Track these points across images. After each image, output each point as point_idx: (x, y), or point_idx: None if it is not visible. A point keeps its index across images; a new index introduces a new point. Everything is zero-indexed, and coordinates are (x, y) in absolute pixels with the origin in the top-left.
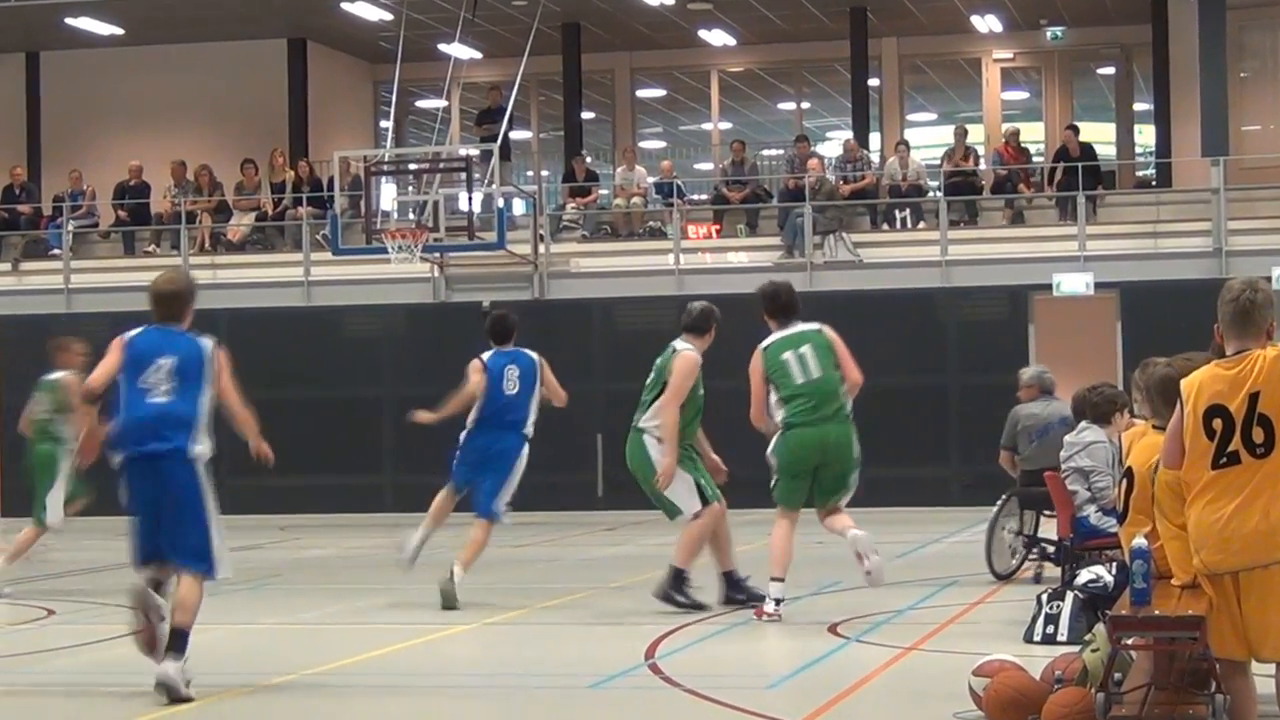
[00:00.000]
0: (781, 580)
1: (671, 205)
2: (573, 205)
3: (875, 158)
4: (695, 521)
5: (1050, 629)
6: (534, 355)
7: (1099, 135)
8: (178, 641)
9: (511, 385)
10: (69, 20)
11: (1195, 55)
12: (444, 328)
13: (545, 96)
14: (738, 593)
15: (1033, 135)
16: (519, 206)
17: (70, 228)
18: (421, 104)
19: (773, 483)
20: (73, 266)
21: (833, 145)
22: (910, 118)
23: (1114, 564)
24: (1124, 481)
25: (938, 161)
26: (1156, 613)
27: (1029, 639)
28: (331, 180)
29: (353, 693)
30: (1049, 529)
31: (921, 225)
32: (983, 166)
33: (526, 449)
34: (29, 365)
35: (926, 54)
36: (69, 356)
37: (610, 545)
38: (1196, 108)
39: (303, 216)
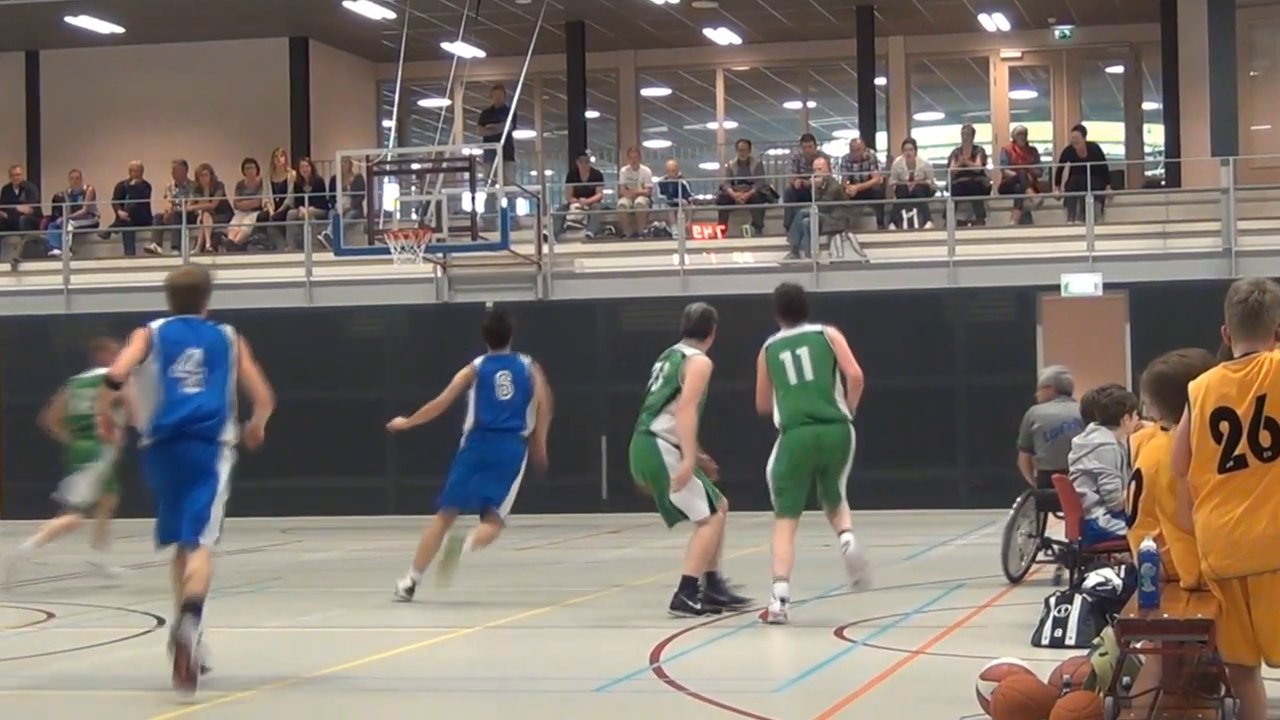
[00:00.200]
0: (785, 580)
1: (676, 205)
2: (577, 205)
3: (882, 157)
4: (705, 529)
5: (1058, 632)
6: (527, 361)
7: (1108, 135)
8: (193, 608)
9: (505, 391)
10: (69, 19)
11: (1205, 54)
12: (447, 329)
13: (549, 95)
14: (719, 594)
15: (1041, 135)
16: (522, 206)
17: (70, 228)
18: (424, 103)
19: (773, 498)
20: (72, 267)
21: (839, 145)
22: (917, 117)
23: (1123, 567)
24: (1132, 484)
25: (945, 161)
26: (1165, 616)
27: (1037, 642)
28: (334, 180)
29: (355, 696)
30: (1057, 529)
31: (928, 225)
32: (990, 166)
33: (525, 453)
34: (29, 366)
35: (934, 53)
36: (108, 355)
37: (614, 548)
38: (1206, 107)
39: (305, 217)
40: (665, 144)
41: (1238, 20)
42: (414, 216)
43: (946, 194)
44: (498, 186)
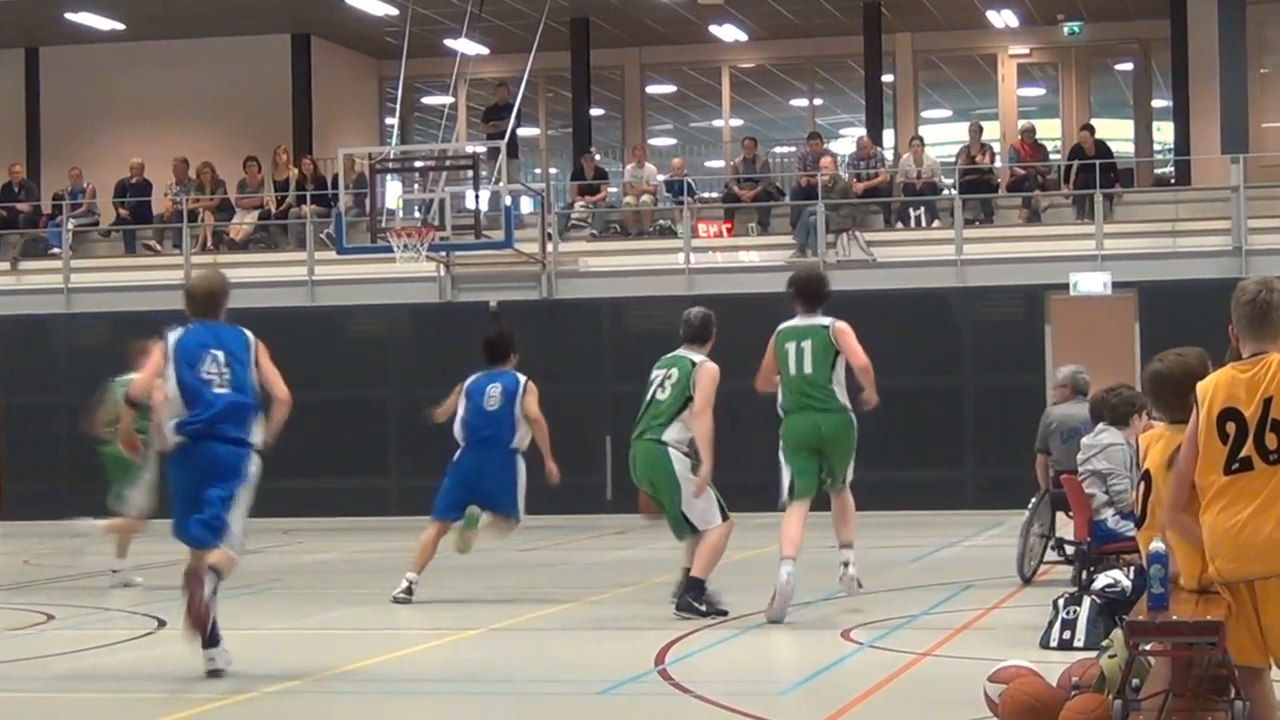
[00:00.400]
0: (793, 558)
1: (682, 203)
2: (581, 203)
3: (889, 155)
4: (714, 532)
5: (1067, 634)
6: (521, 378)
7: (1117, 132)
8: (213, 570)
9: (492, 402)
10: (69, 15)
11: (1215, 51)
12: (450, 328)
13: (553, 93)
14: (691, 610)
15: (1049, 132)
16: (526, 205)
17: (70, 226)
18: (427, 100)
19: (786, 483)
20: (72, 266)
21: (846, 142)
22: (925, 114)
23: (1132, 568)
24: (1141, 484)
25: (953, 159)
26: (1174, 618)
27: (1045, 644)
28: (336, 178)
29: (357, 698)
30: (1067, 530)
31: (936, 224)
32: (998, 164)
33: (520, 460)
34: (28, 366)
35: (941, 49)
36: (147, 360)
37: (619, 549)
38: (1216, 104)
39: (306, 215)
40: (670, 142)
41: (1248, 17)
42: (417, 215)
43: (954, 192)
44: (501, 184)
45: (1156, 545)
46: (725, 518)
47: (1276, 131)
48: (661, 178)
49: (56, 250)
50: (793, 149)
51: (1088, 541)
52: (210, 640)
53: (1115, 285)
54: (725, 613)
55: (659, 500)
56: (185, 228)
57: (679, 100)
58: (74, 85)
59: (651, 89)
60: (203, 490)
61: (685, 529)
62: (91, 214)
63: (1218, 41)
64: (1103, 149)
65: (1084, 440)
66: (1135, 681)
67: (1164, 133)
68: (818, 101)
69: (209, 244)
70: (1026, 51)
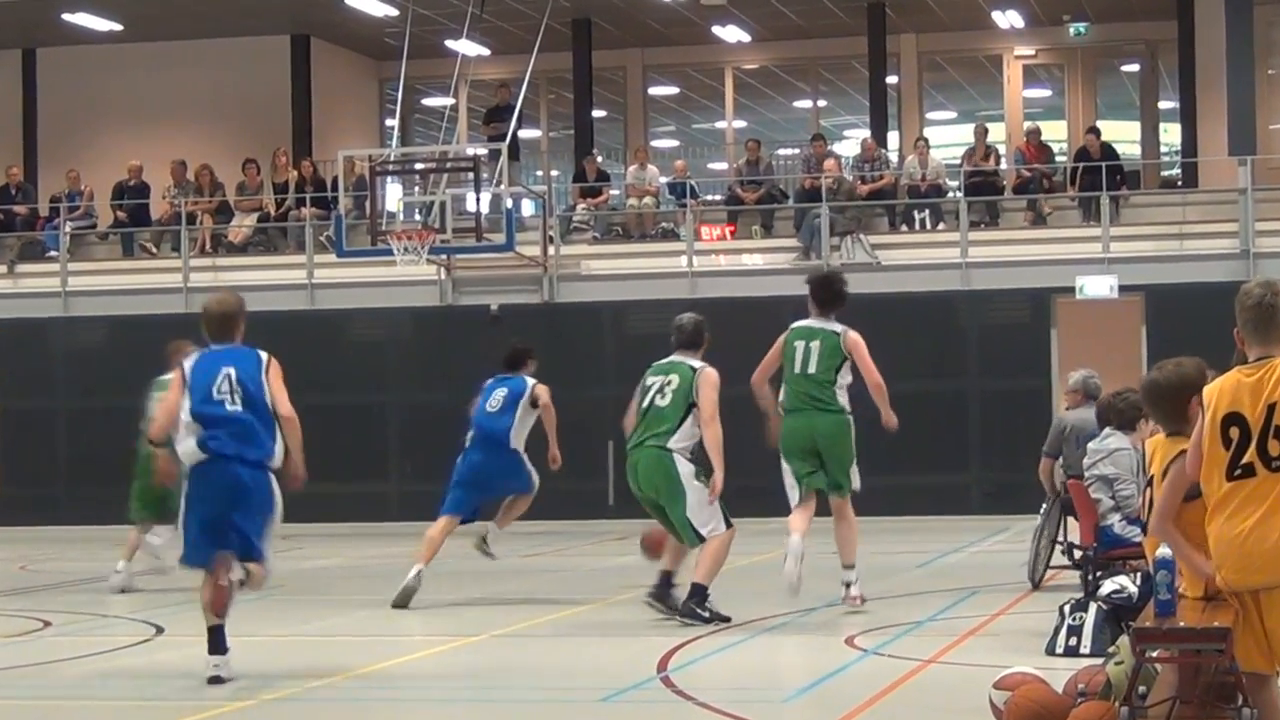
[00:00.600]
0: (801, 532)
1: (685, 206)
2: (583, 206)
3: (894, 157)
4: (718, 538)
5: (1073, 641)
6: (530, 380)
7: (1123, 134)
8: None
9: (495, 404)
10: (66, 16)
11: (1222, 52)
12: (451, 331)
13: (555, 94)
14: (665, 595)
15: (1055, 134)
16: (528, 207)
17: (67, 229)
18: (428, 102)
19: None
20: (70, 269)
21: (850, 144)
22: (930, 116)
23: (1138, 574)
24: (1148, 490)
25: (958, 161)
26: (1182, 625)
27: (1051, 651)
28: (336, 180)
29: (357, 705)
30: (1075, 534)
31: (941, 226)
32: (1004, 166)
33: (523, 454)
34: (25, 370)
35: (946, 51)
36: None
37: (621, 555)
38: (1223, 106)
39: (306, 217)
40: (673, 143)
41: (1256, 18)
42: (417, 217)
43: (959, 194)
44: (503, 187)
45: (1163, 551)
46: (729, 525)
47: None
48: (664, 180)
49: (54, 253)
50: (796, 151)
51: (1094, 547)
52: (218, 647)
53: (1122, 288)
54: (728, 619)
55: (660, 507)
56: (184, 230)
57: (681, 102)
58: (71, 87)
59: (654, 90)
60: (228, 518)
61: (693, 536)
62: (89, 217)
63: (1225, 42)
64: (1109, 152)
65: (1090, 445)
66: (1142, 688)
67: (1171, 134)
68: (821, 103)
69: (207, 247)
70: (1032, 53)
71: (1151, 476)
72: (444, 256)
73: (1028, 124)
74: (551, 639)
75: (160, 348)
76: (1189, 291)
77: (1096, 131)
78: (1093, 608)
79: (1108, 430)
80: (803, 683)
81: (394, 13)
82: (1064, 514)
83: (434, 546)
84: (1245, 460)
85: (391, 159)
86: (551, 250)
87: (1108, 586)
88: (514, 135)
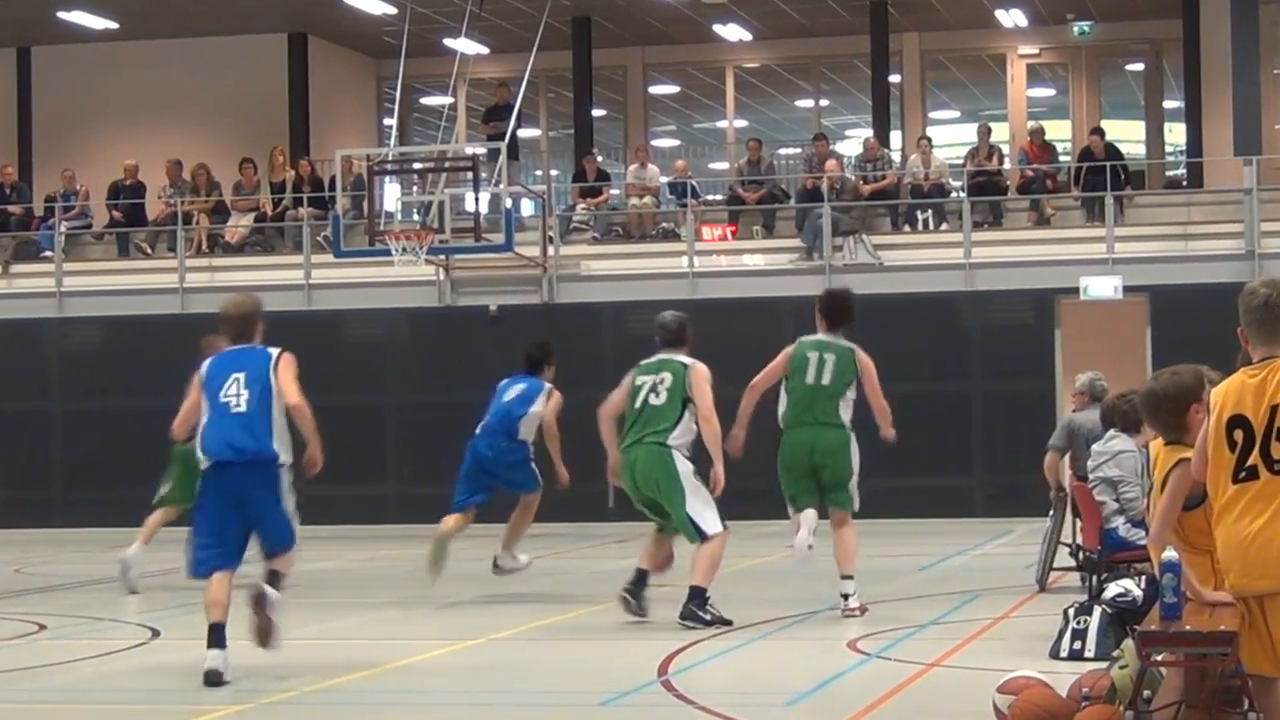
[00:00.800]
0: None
1: (685, 206)
2: (583, 206)
3: (896, 157)
4: (713, 541)
5: (1077, 644)
6: (547, 385)
7: (1128, 133)
8: (274, 579)
9: (512, 395)
10: (61, 14)
11: (1227, 51)
12: (449, 332)
13: (554, 93)
14: (638, 594)
15: (1059, 133)
16: (527, 207)
17: (62, 229)
18: (426, 101)
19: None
20: (65, 269)
21: (852, 144)
22: (932, 115)
23: (1143, 577)
24: (1153, 493)
25: (961, 161)
26: (1187, 628)
27: (1055, 654)
28: (333, 180)
29: (355, 710)
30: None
31: (944, 227)
32: (1007, 166)
33: (529, 447)
34: (19, 372)
35: (949, 49)
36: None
37: (621, 558)
38: (1229, 105)
39: (303, 217)
40: (674, 143)
41: (1261, 17)
42: (416, 217)
43: (962, 194)
44: (502, 186)
45: (1169, 554)
46: (723, 525)
47: None
48: (664, 180)
49: (48, 253)
50: (798, 150)
51: (1098, 550)
52: (217, 642)
53: (1126, 289)
54: (729, 622)
55: (657, 505)
56: (180, 230)
57: (682, 101)
58: (66, 85)
59: (654, 89)
60: (238, 525)
61: (695, 534)
62: (84, 216)
63: (1230, 42)
64: (1113, 152)
65: (1095, 447)
66: (1147, 693)
67: (1175, 134)
68: (823, 102)
69: (204, 247)
70: (1036, 52)
71: (1153, 482)
72: (442, 257)
73: (1031, 123)
74: (551, 642)
75: (156, 349)
76: (1194, 292)
77: (1101, 131)
78: (1097, 611)
79: (1112, 432)
80: (805, 687)
81: (392, 11)
82: (1075, 514)
83: (453, 531)
84: (1249, 463)
85: (390, 158)
86: (551, 251)
87: (1112, 590)
88: (513, 134)
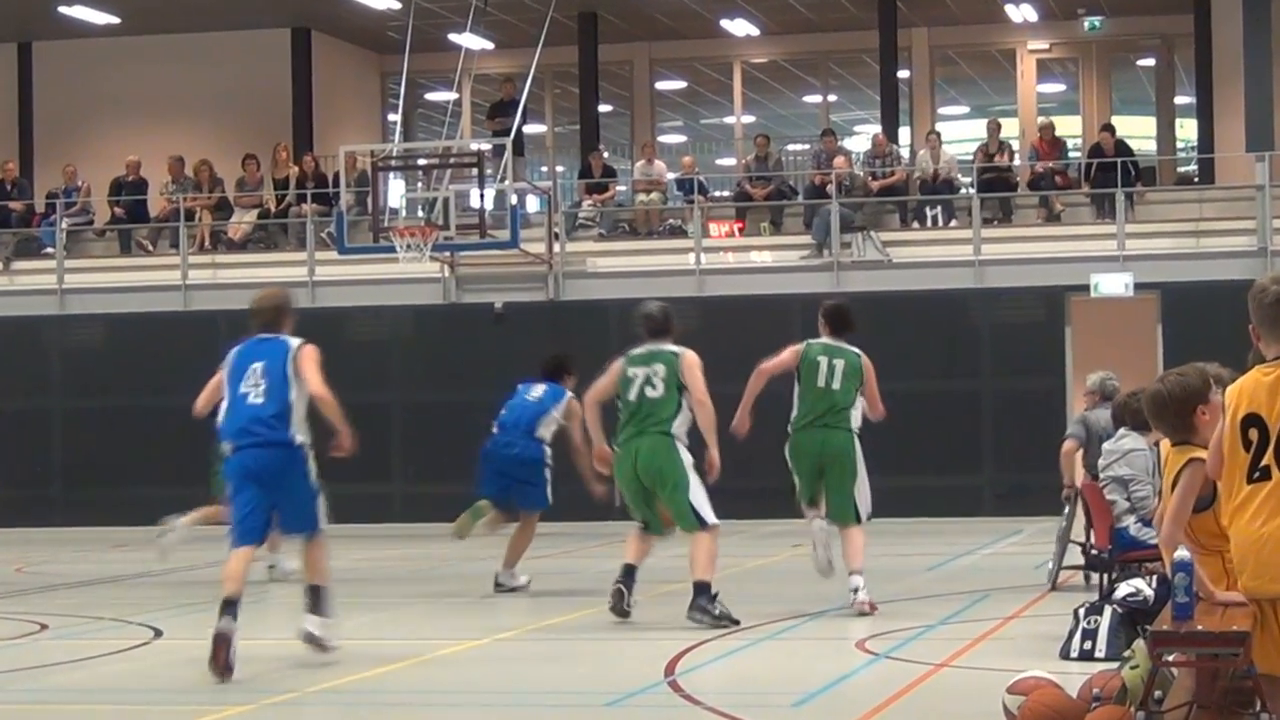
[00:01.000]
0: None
1: (692, 202)
2: (589, 202)
3: (905, 153)
4: (706, 536)
5: (1088, 645)
6: (568, 393)
7: (1139, 129)
8: (316, 599)
9: (533, 395)
10: (63, 8)
11: (1239, 46)
12: (454, 330)
13: (561, 89)
14: (626, 593)
15: (1069, 129)
16: (533, 203)
17: (64, 225)
18: (431, 96)
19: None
20: (66, 266)
21: (861, 140)
22: (941, 111)
23: (1154, 577)
24: (1164, 493)
25: (970, 157)
26: (1199, 628)
27: (1065, 655)
28: (337, 176)
29: (359, 711)
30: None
31: (953, 223)
32: (1017, 162)
33: (547, 449)
34: (20, 369)
35: (958, 45)
36: None
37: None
38: (1240, 101)
39: (307, 214)
40: (681, 139)
41: (1273, 11)
42: (420, 214)
43: (972, 191)
44: (507, 183)
45: (1182, 553)
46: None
47: None
48: (671, 176)
49: (50, 250)
50: (806, 146)
51: (1109, 549)
52: (229, 613)
53: (1137, 286)
54: (737, 622)
55: (649, 496)
56: (182, 227)
57: (689, 96)
58: (68, 81)
59: (661, 85)
60: (265, 499)
61: (694, 521)
62: (86, 213)
63: (1242, 36)
64: (1123, 148)
65: (1105, 446)
66: (1158, 693)
67: (1187, 130)
68: (832, 98)
69: (207, 244)
70: (1046, 46)
71: (1164, 482)
72: (447, 254)
73: (1041, 119)
74: (557, 642)
75: (158, 346)
76: (1205, 289)
77: (1111, 127)
78: (1108, 611)
79: (1122, 431)
80: (812, 687)
81: (396, 6)
82: (1087, 513)
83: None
84: (1263, 463)
85: (394, 154)
86: (557, 247)
87: (1123, 589)
88: (519, 130)
